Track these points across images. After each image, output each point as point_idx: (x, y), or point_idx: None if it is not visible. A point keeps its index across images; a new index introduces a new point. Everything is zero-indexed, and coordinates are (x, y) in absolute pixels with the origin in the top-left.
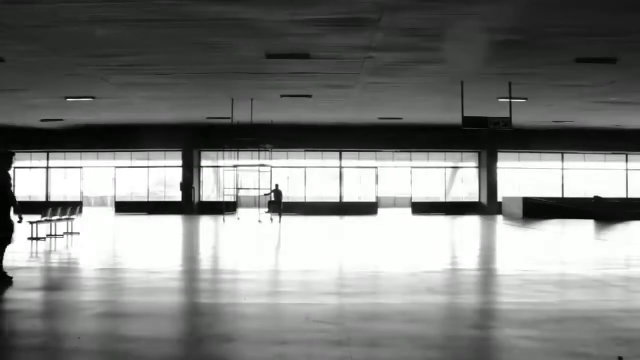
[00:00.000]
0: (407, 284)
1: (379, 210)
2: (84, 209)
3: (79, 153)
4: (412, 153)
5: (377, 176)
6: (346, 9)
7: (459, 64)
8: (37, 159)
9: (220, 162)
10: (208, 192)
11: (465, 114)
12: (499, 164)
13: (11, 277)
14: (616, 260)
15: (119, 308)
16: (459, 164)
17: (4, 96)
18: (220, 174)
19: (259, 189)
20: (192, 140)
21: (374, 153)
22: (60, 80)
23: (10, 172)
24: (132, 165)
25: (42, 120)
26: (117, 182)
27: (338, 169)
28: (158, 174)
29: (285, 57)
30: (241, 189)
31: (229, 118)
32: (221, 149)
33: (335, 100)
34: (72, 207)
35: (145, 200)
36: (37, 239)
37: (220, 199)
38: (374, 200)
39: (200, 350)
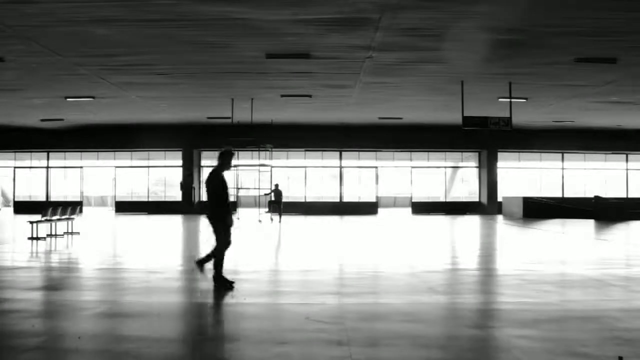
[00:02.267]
0: (407, 284)
1: (379, 210)
2: (84, 208)
3: (79, 153)
4: (412, 153)
5: (377, 176)
6: (346, 9)
7: (459, 64)
8: (37, 159)
9: None
10: None
11: (465, 114)
12: (499, 164)
13: (232, 282)
14: (616, 260)
15: (119, 308)
16: (459, 164)
17: (4, 96)
18: None
19: (259, 188)
20: (192, 140)
21: (374, 153)
22: (60, 80)
23: (227, 172)
24: (132, 165)
25: (42, 120)
26: (118, 182)
27: (338, 169)
28: (158, 174)
29: (285, 57)
30: (241, 188)
31: (229, 118)
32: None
33: (335, 100)
34: (72, 207)
35: (145, 200)
36: (38, 238)
37: None
38: (374, 200)
39: (200, 350)
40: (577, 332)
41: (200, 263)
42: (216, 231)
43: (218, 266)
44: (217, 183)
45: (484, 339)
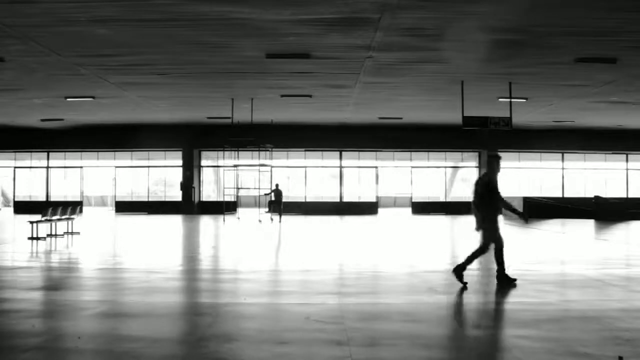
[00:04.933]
0: (408, 284)
1: (379, 210)
2: (84, 208)
3: (79, 153)
4: (412, 153)
5: (377, 176)
6: (346, 9)
7: (459, 64)
8: (37, 159)
9: (220, 162)
10: (208, 192)
11: (465, 114)
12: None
13: (515, 280)
14: (616, 260)
15: (119, 308)
16: (459, 164)
17: (4, 96)
18: (221, 174)
19: (259, 188)
20: (192, 140)
21: (374, 153)
22: (60, 80)
23: (498, 175)
24: (132, 165)
25: (42, 120)
26: (118, 182)
27: (338, 169)
28: (158, 174)
29: (285, 57)
30: (241, 188)
31: (229, 118)
32: (221, 149)
33: (335, 100)
34: (72, 207)
35: (145, 200)
36: (38, 238)
37: (221, 199)
38: (374, 200)
39: (200, 350)
40: (577, 332)
41: (459, 272)
42: (487, 232)
43: (467, 263)
44: (488, 186)
45: (484, 339)
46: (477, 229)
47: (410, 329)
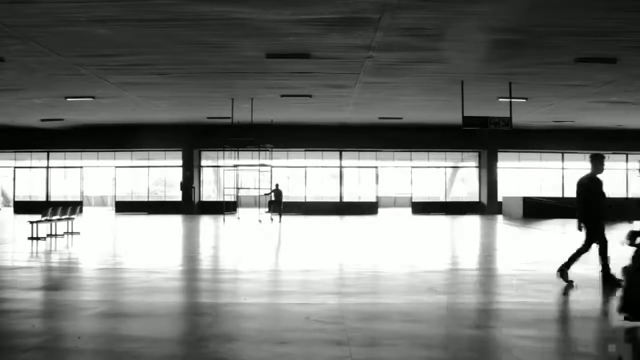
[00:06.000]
0: (407, 284)
1: (379, 210)
2: (84, 208)
3: (79, 153)
4: (412, 153)
5: (377, 176)
6: (346, 9)
7: (459, 64)
8: (37, 159)
9: (220, 162)
10: (208, 192)
11: (465, 114)
12: (499, 164)
13: (620, 280)
14: (616, 260)
15: (119, 308)
16: (459, 164)
17: (4, 96)
18: (221, 174)
19: (259, 188)
20: (192, 140)
21: (374, 153)
22: (60, 80)
23: (601, 175)
24: (132, 165)
25: (42, 120)
26: (118, 182)
27: (338, 169)
28: (158, 174)
29: (285, 57)
30: (241, 188)
31: (229, 118)
32: (221, 149)
33: (335, 100)
34: (72, 207)
35: (145, 200)
36: (38, 238)
37: (221, 199)
38: (374, 200)
39: (200, 350)
40: (577, 332)
41: (564, 270)
42: (596, 233)
43: (606, 265)
44: (595, 187)
45: (484, 339)
46: (579, 228)
47: (410, 329)
